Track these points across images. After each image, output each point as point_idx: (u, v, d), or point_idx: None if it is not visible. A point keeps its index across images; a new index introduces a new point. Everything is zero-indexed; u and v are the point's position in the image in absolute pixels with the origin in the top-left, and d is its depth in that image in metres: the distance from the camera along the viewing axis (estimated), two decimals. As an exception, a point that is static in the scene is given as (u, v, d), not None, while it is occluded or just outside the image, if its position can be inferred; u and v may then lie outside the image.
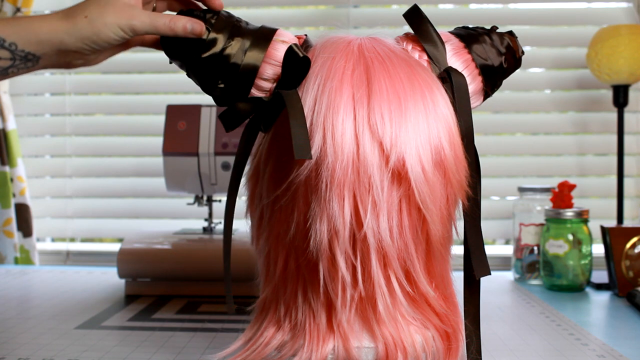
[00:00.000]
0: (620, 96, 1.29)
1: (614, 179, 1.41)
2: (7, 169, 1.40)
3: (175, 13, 0.55)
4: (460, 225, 0.56)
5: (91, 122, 1.53)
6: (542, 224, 1.07)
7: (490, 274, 0.55)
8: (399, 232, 0.50)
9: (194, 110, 1.09)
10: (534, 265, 1.08)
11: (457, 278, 0.58)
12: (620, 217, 1.31)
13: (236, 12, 0.57)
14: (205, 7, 0.55)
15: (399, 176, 0.50)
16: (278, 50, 0.53)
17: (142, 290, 0.99)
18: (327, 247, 0.50)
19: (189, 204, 1.16)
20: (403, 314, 0.53)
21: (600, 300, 0.98)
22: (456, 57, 0.57)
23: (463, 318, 0.57)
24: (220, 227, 1.14)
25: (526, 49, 1.46)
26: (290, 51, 0.53)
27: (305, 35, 0.57)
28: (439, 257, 0.54)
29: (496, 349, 0.71)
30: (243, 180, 0.58)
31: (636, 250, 1.00)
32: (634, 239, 1.00)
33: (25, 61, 0.54)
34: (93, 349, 0.70)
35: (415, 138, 0.50)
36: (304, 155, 0.48)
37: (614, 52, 1.25)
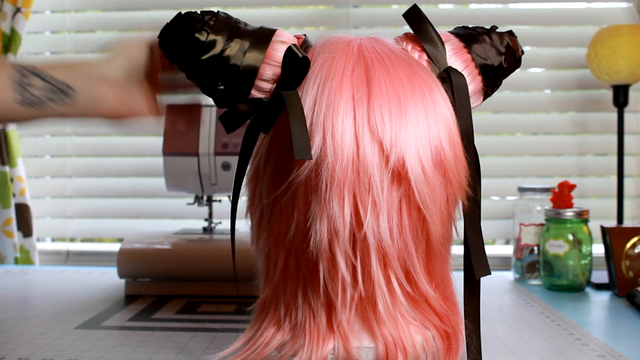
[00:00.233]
0: (620, 96, 1.29)
1: (614, 179, 1.41)
2: (7, 169, 1.40)
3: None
4: (460, 225, 0.56)
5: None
6: (542, 224, 1.07)
7: (490, 273, 0.55)
8: (399, 232, 0.50)
9: (194, 110, 1.08)
10: (534, 265, 1.08)
11: (457, 278, 0.58)
12: (620, 217, 1.31)
13: (236, 12, 0.57)
14: (203, 10, 0.55)
15: (399, 176, 0.50)
16: (277, 51, 0.53)
17: (142, 290, 0.99)
18: (327, 247, 0.50)
19: (189, 204, 1.16)
20: (403, 314, 0.53)
21: (600, 300, 0.98)
22: (456, 57, 0.57)
23: (463, 318, 0.57)
24: (220, 227, 1.14)
25: (526, 49, 1.46)
26: (289, 51, 0.53)
27: (305, 35, 0.57)
28: (439, 257, 0.54)
29: (496, 349, 0.71)
30: (244, 180, 0.58)
31: (636, 250, 1.00)
32: (634, 239, 1.00)
33: (62, 94, 0.55)
34: (93, 349, 0.71)
35: (415, 138, 0.50)
36: (304, 155, 0.48)
37: (614, 52, 1.25)
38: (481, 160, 0.57)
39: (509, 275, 1.15)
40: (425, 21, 0.57)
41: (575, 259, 1.01)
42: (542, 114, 1.47)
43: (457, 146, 0.53)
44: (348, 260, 0.50)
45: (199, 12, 0.54)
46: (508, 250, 1.45)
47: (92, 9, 1.55)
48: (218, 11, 0.54)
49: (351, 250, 0.50)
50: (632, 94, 1.40)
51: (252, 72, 0.53)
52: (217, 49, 0.52)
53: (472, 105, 0.58)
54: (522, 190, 1.12)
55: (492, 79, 0.59)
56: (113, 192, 1.49)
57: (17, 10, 1.40)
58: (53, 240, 1.60)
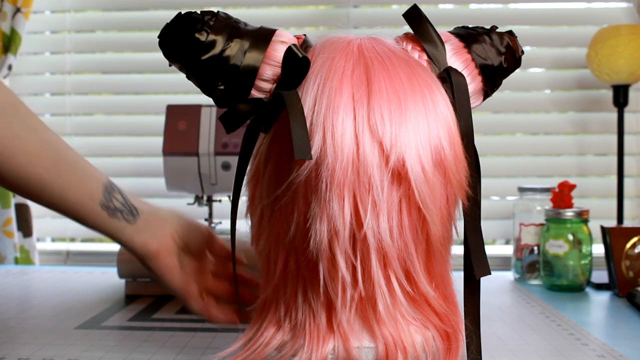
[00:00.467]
0: (620, 96, 1.29)
1: (614, 179, 1.41)
2: (7, 169, 1.40)
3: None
4: (460, 225, 0.56)
5: (91, 122, 1.54)
6: (542, 224, 1.07)
7: (490, 273, 0.55)
8: (399, 232, 0.50)
9: (194, 110, 1.09)
10: (534, 265, 1.08)
11: (457, 278, 0.58)
12: (620, 217, 1.31)
13: (236, 12, 0.57)
14: (203, 10, 0.55)
15: (399, 176, 0.50)
16: (277, 51, 0.53)
17: (142, 290, 0.99)
18: (327, 247, 0.50)
19: (189, 204, 1.16)
20: (403, 314, 0.53)
21: (600, 300, 0.98)
22: (456, 57, 0.57)
23: (463, 318, 0.57)
24: (220, 227, 1.14)
25: (526, 49, 1.46)
26: (289, 51, 0.53)
27: (305, 35, 0.57)
28: (439, 257, 0.54)
29: (496, 349, 0.71)
30: (244, 180, 0.58)
31: (636, 250, 1.00)
32: (634, 239, 1.00)
33: (130, 212, 0.60)
34: (93, 349, 0.70)
35: (415, 138, 0.50)
36: (303, 155, 0.48)
37: (614, 52, 1.25)
38: (481, 160, 0.57)
39: (509, 275, 1.15)
40: (425, 21, 0.57)
41: (575, 259, 1.01)
42: (542, 114, 1.47)
43: (457, 146, 0.53)
44: (348, 260, 0.50)
45: (199, 12, 0.53)
46: (508, 250, 1.45)
47: (92, 9, 1.55)
48: (218, 11, 0.54)
49: (351, 250, 0.50)
50: (632, 94, 1.40)
51: (252, 72, 0.53)
52: (217, 49, 0.52)
53: (472, 105, 0.58)
54: (522, 190, 1.12)
55: (492, 79, 0.59)
56: (113, 192, 1.49)
57: (17, 10, 1.40)
58: (53, 240, 1.60)
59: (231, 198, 0.58)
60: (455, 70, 0.56)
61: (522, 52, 0.61)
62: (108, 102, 1.55)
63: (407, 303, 0.53)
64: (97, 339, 0.75)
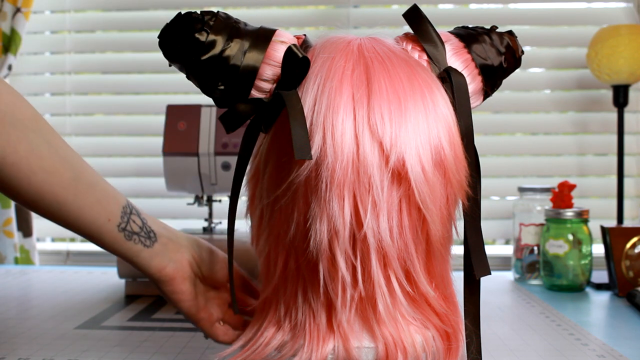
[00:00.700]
0: (620, 96, 1.30)
1: (614, 179, 1.41)
2: (7, 169, 1.40)
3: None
4: (460, 225, 0.56)
5: (91, 122, 1.54)
6: (542, 224, 1.07)
7: (490, 273, 0.55)
8: (399, 232, 0.50)
9: (194, 110, 1.09)
10: (534, 265, 1.08)
11: (457, 278, 0.58)
12: (620, 217, 1.31)
13: (236, 13, 0.58)
14: (203, 10, 0.55)
15: (399, 176, 0.49)
16: (277, 51, 0.53)
17: (142, 290, 0.99)
18: (327, 247, 0.50)
19: (189, 204, 1.16)
20: (403, 314, 0.53)
21: (600, 300, 0.98)
22: (456, 57, 0.57)
23: (463, 318, 0.57)
24: (220, 227, 1.14)
25: (526, 49, 1.46)
26: (289, 51, 0.53)
27: (305, 35, 0.57)
28: (439, 257, 0.54)
29: (496, 349, 0.71)
30: (244, 180, 0.58)
31: (636, 250, 1.00)
32: (634, 239, 1.00)
33: (146, 236, 0.60)
34: (93, 349, 0.71)
35: (415, 138, 0.50)
36: (303, 155, 0.48)
37: (614, 52, 1.25)
38: (481, 160, 0.57)
39: (509, 275, 1.15)
40: (425, 21, 0.57)
41: (575, 259, 1.01)
42: (542, 114, 1.47)
43: (457, 146, 0.53)
44: (348, 260, 0.50)
45: (198, 12, 0.53)
46: (508, 250, 1.45)
47: (92, 9, 1.56)
48: (218, 11, 0.54)
49: (351, 250, 0.50)
50: (632, 94, 1.40)
51: (252, 72, 0.53)
52: (217, 49, 0.52)
53: (472, 105, 0.58)
54: (522, 190, 1.13)
55: (492, 79, 0.59)
56: (113, 192, 1.49)
57: (17, 10, 1.40)
58: (53, 240, 1.60)
59: (230, 198, 0.58)
60: (455, 70, 0.56)
61: (522, 52, 0.61)
62: (108, 102, 1.55)
63: (407, 303, 0.53)
64: (97, 339, 0.75)
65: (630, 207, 1.45)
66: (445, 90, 0.54)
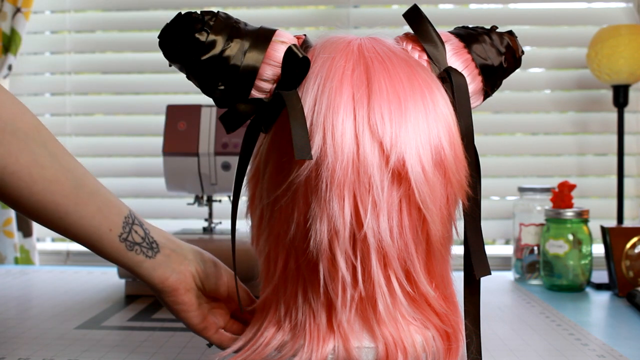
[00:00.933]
0: (620, 96, 1.30)
1: (614, 179, 1.41)
2: (7, 169, 1.40)
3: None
4: (460, 225, 0.56)
5: (91, 122, 1.54)
6: (542, 224, 1.07)
7: (490, 273, 0.55)
8: (399, 232, 0.50)
9: (194, 110, 1.09)
10: (534, 265, 1.08)
11: (457, 278, 0.58)
12: (620, 217, 1.31)
13: (236, 13, 0.57)
14: (203, 10, 0.55)
15: (399, 176, 0.50)
16: (277, 51, 0.53)
17: (142, 290, 0.99)
18: (327, 247, 0.50)
19: (189, 204, 1.16)
20: (403, 314, 0.53)
21: (600, 300, 0.98)
22: (456, 57, 0.57)
23: (463, 318, 0.57)
24: (220, 227, 1.14)
25: (526, 49, 1.46)
26: (289, 52, 0.53)
27: (305, 35, 0.57)
28: (439, 257, 0.54)
29: (496, 349, 0.71)
30: (244, 181, 0.58)
31: (636, 250, 1.00)
32: (634, 239, 1.00)
33: (149, 246, 0.59)
34: (93, 349, 0.71)
35: (415, 138, 0.50)
36: (304, 155, 0.48)
37: (614, 52, 1.25)
38: (481, 160, 0.57)
39: (509, 275, 1.15)
40: (425, 21, 0.57)
41: (575, 259, 1.01)
42: (542, 114, 1.47)
43: (457, 146, 0.53)
44: (348, 260, 0.50)
45: (198, 12, 0.53)
46: (508, 250, 1.45)
47: (92, 9, 1.56)
48: (218, 11, 0.54)
49: (351, 250, 0.50)
50: (632, 94, 1.40)
51: (252, 72, 0.53)
52: (217, 49, 0.52)
53: (472, 105, 0.58)
54: (522, 190, 1.12)
55: (492, 79, 0.59)
56: (113, 192, 1.49)
57: (17, 10, 1.40)
58: (53, 240, 1.60)
59: (231, 198, 0.58)
60: (455, 70, 0.56)
61: (522, 52, 0.61)
62: (108, 102, 1.55)
63: (407, 303, 0.53)
64: (97, 339, 0.75)
65: (630, 207, 1.45)
66: (446, 90, 0.54)
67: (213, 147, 1.06)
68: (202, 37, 0.52)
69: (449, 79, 0.55)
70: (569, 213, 1.01)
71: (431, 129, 0.51)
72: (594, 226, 1.07)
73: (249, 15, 1.49)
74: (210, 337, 0.62)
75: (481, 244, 0.55)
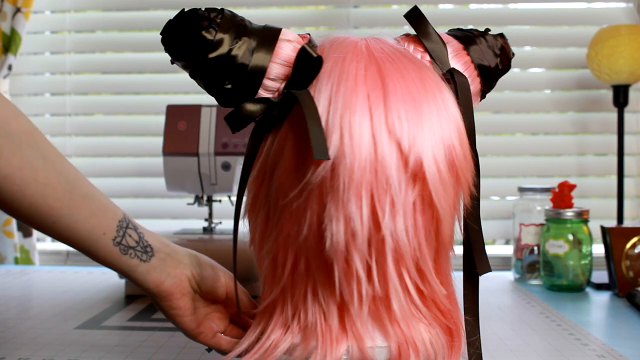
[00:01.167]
0: (620, 96, 1.30)
1: (614, 179, 1.41)
2: (7, 169, 1.40)
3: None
4: (460, 223, 0.56)
5: (91, 122, 1.54)
6: (542, 224, 1.07)
7: (491, 270, 0.56)
8: (414, 231, 0.50)
9: (194, 110, 1.09)
10: (534, 265, 1.08)
11: (457, 277, 0.58)
12: (620, 217, 1.31)
13: (236, 12, 0.57)
14: (208, 7, 0.55)
15: (416, 176, 0.49)
16: (284, 50, 0.53)
17: (142, 290, 0.98)
18: (343, 248, 0.49)
19: (189, 204, 1.16)
20: (414, 313, 0.53)
21: (600, 300, 0.98)
22: (457, 59, 0.57)
23: (463, 315, 0.57)
24: (220, 227, 1.14)
25: (526, 49, 1.46)
26: (303, 51, 0.52)
27: (309, 34, 0.57)
28: (445, 256, 0.54)
29: (496, 349, 0.71)
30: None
31: (636, 250, 1.00)
32: (634, 239, 1.00)
33: (143, 250, 0.59)
34: (93, 349, 0.70)
35: (431, 138, 0.50)
36: (322, 155, 0.47)
37: (614, 52, 1.25)
38: (481, 160, 0.57)
39: (509, 275, 1.15)
40: (427, 22, 0.57)
41: (575, 259, 1.01)
42: (542, 114, 1.47)
43: (465, 146, 0.53)
44: (364, 260, 0.50)
45: (204, 9, 0.53)
46: (508, 250, 1.45)
47: (92, 9, 1.55)
48: (223, 8, 0.53)
49: (367, 250, 0.50)
50: (632, 94, 1.40)
51: (260, 71, 0.52)
52: (224, 48, 0.52)
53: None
54: (522, 190, 1.13)
55: (488, 80, 0.59)
56: (113, 192, 1.49)
57: (17, 10, 1.40)
58: (53, 240, 1.59)
59: (235, 199, 0.58)
60: (458, 71, 0.56)
61: (513, 54, 0.62)
62: (108, 102, 1.55)
63: (421, 302, 0.53)
64: (97, 339, 0.75)
65: (630, 207, 1.45)
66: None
67: (213, 147, 1.06)
68: (210, 35, 0.51)
69: (453, 79, 0.55)
70: (569, 213, 1.01)
71: (444, 130, 0.51)
72: (594, 226, 1.07)
73: (249, 15, 1.48)
74: (206, 342, 0.62)
75: (482, 242, 0.56)
